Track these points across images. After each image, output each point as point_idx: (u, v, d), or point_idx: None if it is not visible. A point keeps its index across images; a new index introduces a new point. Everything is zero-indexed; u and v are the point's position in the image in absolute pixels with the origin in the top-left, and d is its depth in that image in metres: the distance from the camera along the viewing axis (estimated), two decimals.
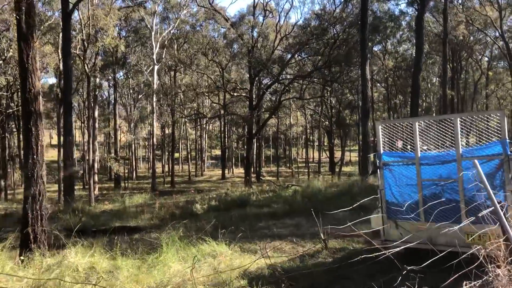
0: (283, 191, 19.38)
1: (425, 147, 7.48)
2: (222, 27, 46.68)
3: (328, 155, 59.87)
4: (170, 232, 9.38)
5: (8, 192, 41.08)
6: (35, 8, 8.02)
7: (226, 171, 64.13)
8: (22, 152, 42.83)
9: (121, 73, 53.66)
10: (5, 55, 25.29)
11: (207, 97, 46.85)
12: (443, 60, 29.58)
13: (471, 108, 52.82)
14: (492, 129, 6.37)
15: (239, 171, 65.48)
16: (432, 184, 6.82)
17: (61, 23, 23.71)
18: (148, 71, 45.03)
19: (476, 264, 3.27)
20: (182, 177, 61.99)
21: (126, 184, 50.10)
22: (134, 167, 63.55)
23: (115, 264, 7.78)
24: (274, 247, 8.95)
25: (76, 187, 47.11)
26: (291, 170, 63.18)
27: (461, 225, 3.99)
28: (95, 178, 39.14)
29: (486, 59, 52.91)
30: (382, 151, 7.30)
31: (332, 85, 38.47)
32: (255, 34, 38.70)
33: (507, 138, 6.15)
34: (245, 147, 40.82)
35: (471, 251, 3.42)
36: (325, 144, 70.69)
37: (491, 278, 3.22)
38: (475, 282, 3.15)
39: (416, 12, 25.42)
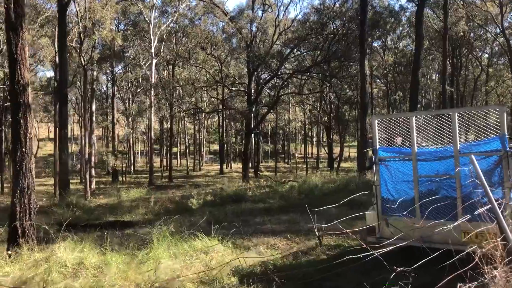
0: (279, 187, 19.24)
1: (424, 144, 7.32)
2: (220, 21, 46.40)
3: (327, 151, 59.80)
4: (162, 227, 9.24)
5: (5, 185, 40.91)
6: None
7: (225, 166, 63.97)
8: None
9: (120, 67, 53.47)
10: (1, 47, 25.02)
11: (205, 92, 46.60)
12: (443, 56, 29.35)
13: (471, 104, 52.62)
14: (492, 125, 6.19)
15: (238, 166, 65.28)
16: (429, 180, 6.66)
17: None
18: (147, 65, 44.76)
19: (471, 265, 3.10)
20: (181, 172, 61.79)
21: (124, 178, 49.87)
22: (132, 161, 63.34)
23: (104, 259, 7.63)
24: (268, 244, 8.79)
25: (73, 181, 47.10)
26: (289, 166, 63.04)
27: (455, 223, 3.82)
28: (92, 172, 38.97)
29: (487, 55, 52.67)
30: (378, 146, 7.13)
31: (331, 80, 38.25)
32: (254, 28, 38.46)
33: (506, 133, 5.99)
34: (243, 142, 40.65)
35: (466, 251, 3.25)
36: (324, 140, 70.51)
37: (487, 280, 3.06)
38: (470, 284, 2.98)
39: (416, 8, 25.17)
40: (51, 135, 71.66)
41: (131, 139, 61.71)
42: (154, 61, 41.93)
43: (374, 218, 7.17)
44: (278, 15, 38.96)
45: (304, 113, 62.24)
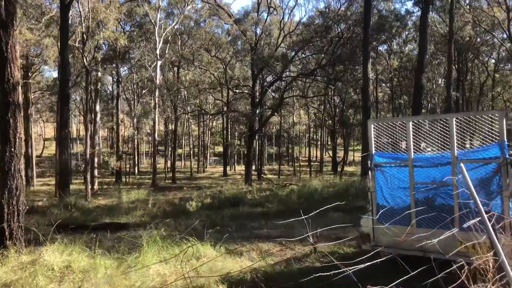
0: (280, 190, 19.04)
1: (428, 149, 7.11)
2: (225, 24, 46.30)
3: (331, 154, 59.53)
4: (153, 231, 9.08)
5: None
6: None
7: (228, 168, 63.84)
8: (27, 144, 42.75)
9: (125, 68, 53.52)
10: None
11: (210, 94, 46.50)
12: (448, 60, 29.05)
13: (477, 110, 52.16)
14: (496, 131, 5.96)
15: (241, 168, 65.10)
16: (425, 187, 6.45)
17: None
18: (152, 66, 44.73)
19: (458, 282, 2.90)
20: (185, 173, 61.74)
21: (128, 179, 49.86)
22: (136, 162, 63.37)
23: (93, 263, 7.47)
24: (261, 250, 8.60)
25: (77, 181, 47.16)
26: (293, 169, 62.78)
27: (444, 235, 3.62)
28: (95, 172, 38.95)
29: (493, 61, 52.19)
30: (374, 152, 6.94)
31: (336, 83, 38.04)
32: (258, 31, 38.33)
33: (505, 140, 5.76)
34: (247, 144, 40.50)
35: (452, 267, 3.05)
36: (329, 143, 70.25)
37: None
38: None
39: (421, 12, 24.95)
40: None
41: (135, 140, 61.76)
42: (159, 62, 41.87)
43: (369, 225, 6.96)
44: (283, 18, 38.85)
45: (309, 116, 62.02)
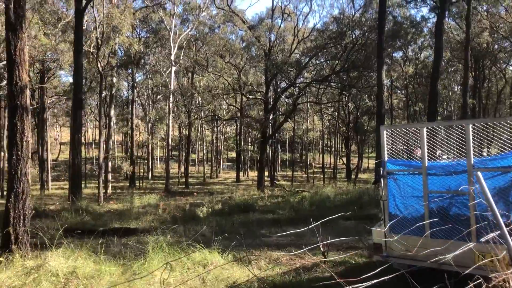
0: (292, 197, 18.80)
1: (444, 157, 6.86)
2: (239, 30, 46.39)
3: (345, 161, 58.99)
4: (160, 237, 8.95)
5: None
6: None
7: (241, 174, 63.71)
8: (40, 148, 43.22)
9: (140, 74, 53.90)
10: None
11: (223, 100, 46.50)
12: (465, 67, 28.55)
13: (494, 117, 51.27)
14: None
15: (254, 174, 64.91)
16: (440, 196, 6.19)
17: None
18: (167, 72, 44.96)
19: None
20: (198, 179, 61.80)
21: (141, 184, 50.04)
22: (150, 167, 63.62)
23: (99, 269, 7.35)
24: (270, 258, 8.39)
25: (91, 185, 47.48)
26: (306, 175, 62.40)
27: (460, 249, 3.40)
28: (109, 177, 39.11)
29: (511, 68, 51.37)
30: (386, 159, 6.70)
31: (350, 90, 37.72)
32: (272, 37, 38.24)
33: None
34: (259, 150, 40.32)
35: (473, 283, 2.83)
36: (343, 150, 69.73)
37: None
38: None
39: (436, 18, 24.58)
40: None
41: (150, 145, 62.01)
42: (174, 68, 42.08)
43: (381, 235, 6.71)
44: (297, 24, 38.71)
45: (323, 123, 61.69)
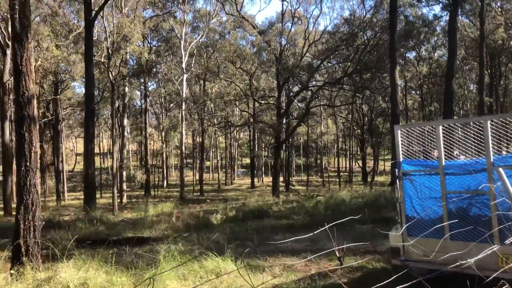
0: (307, 202, 18.54)
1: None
2: (250, 35, 46.39)
3: (361, 164, 58.43)
4: (172, 245, 8.82)
5: (41, 199, 41.76)
6: (30, 7, 7.59)
7: (256, 180, 63.52)
8: (55, 159, 43.62)
9: (152, 82, 54.24)
10: (34, 64, 25.49)
11: (236, 106, 46.46)
12: (480, 65, 28.06)
13: None
14: None
15: (269, 179, 64.62)
16: (459, 197, 5.92)
17: None
18: (179, 80, 45.13)
19: None
20: (212, 186, 61.78)
21: (156, 192, 50.16)
22: (165, 175, 63.82)
23: (110, 280, 7.23)
24: (285, 265, 8.18)
25: (107, 195, 47.72)
26: (322, 180, 61.94)
27: (482, 253, 3.17)
28: (124, 186, 39.27)
29: None
30: (401, 159, 6.46)
31: (363, 92, 37.36)
32: (283, 41, 38.12)
33: None
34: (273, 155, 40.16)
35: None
36: (358, 153, 69.12)
37: None
38: None
39: (449, 15, 24.19)
40: (96, 150, 73.14)
41: (164, 153, 62.25)
42: (185, 76, 42.21)
43: (398, 239, 6.46)
44: (307, 27, 38.55)
45: (337, 126, 61.27)
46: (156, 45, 47.83)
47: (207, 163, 77.82)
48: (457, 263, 3.77)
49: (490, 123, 5.54)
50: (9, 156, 28.44)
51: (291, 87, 43.56)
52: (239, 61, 38.02)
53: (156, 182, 58.07)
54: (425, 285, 3.25)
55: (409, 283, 3.23)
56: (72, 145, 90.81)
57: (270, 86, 47.17)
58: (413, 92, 56.52)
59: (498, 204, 5.05)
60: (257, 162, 67.50)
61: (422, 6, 41.37)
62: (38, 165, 7.58)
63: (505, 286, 2.51)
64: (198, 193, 47.19)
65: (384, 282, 2.61)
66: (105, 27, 24.96)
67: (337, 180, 55.12)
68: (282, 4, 47.08)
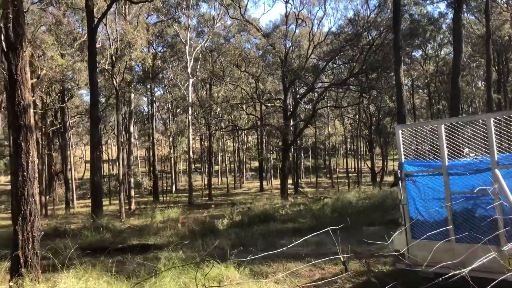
0: (314, 204, 18.35)
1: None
2: (254, 38, 46.32)
3: (369, 165, 58.02)
4: (174, 253, 8.70)
5: (51, 207, 41.94)
6: (24, 16, 7.53)
7: (265, 183, 63.30)
8: (64, 168, 43.78)
9: (159, 88, 54.44)
10: (39, 73, 25.65)
11: (242, 109, 46.40)
12: (487, 62, 27.66)
13: None
14: None
15: (278, 182, 64.33)
16: (464, 197, 5.74)
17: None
18: (186, 85, 45.19)
19: None
20: (221, 190, 61.64)
21: (165, 198, 50.15)
22: (174, 181, 63.83)
23: None
24: (289, 270, 8.01)
25: (116, 202, 47.80)
26: (331, 181, 61.60)
27: (488, 256, 3.01)
28: (132, 192, 39.28)
29: None
30: (403, 160, 6.29)
31: (369, 92, 37.08)
32: (288, 43, 37.98)
33: None
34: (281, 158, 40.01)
35: None
36: (367, 153, 68.69)
37: None
38: None
39: (453, 12, 23.88)
40: (104, 157, 73.50)
41: (172, 159, 62.32)
42: (191, 81, 42.24)
43: (402, 242, 6.29)
44: (312, 29, 38.33)
45: (344, 127, 60.95)
46: (162, 50, 47.95)
47: (216, 167, 77.80)
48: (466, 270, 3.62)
49: (493, 120, 5.37)
50: None
51: (297, 89, 43.39)
52: (244, 65, 37.96)
53: (165, 188, 58.12)
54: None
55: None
56: (81, 152, 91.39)
57: (276, 88, 47.06)
58: (420, 91, 56.07)
59: (503, 204, 4.87)
60: (265, 165, 67.28)
61: (427, 4, 41.03)
62: (36, 175, 7.51)
63: None
64: (207, 198, 47.09)
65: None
66: (108, 34, 24.98)
67: (346, 181, 54.75)
68: (286, 6, 46.79)
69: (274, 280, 7.52)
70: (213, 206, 29.06)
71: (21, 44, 7.36)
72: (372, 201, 16.04)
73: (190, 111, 41.81)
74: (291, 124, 40.67)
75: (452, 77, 23.05)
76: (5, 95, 19.97)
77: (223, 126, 47.13)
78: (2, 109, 27.49)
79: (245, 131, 58.43)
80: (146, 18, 40.79)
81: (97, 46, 24.85)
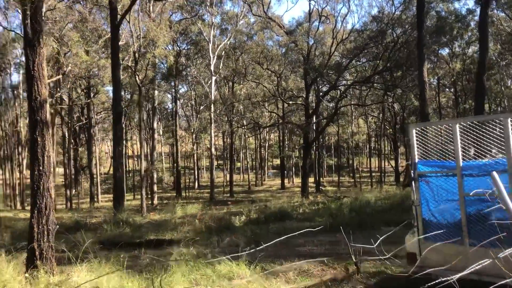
0: (333, 203, 18.18)
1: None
2: (277, 35, 46.22)
3: (393, 164, 57.21)
4: (193, 247, 8.74)
5: (76, 201, 42.88)
6: (43, 12, 7.65)
7: (287, 181, 63.17)
8: (89, 163, 44.64)
9: (182, 85, 54.87)
10: (64, 69, 26.15)
11: (264, 107, 46.40)
12: None
13: None
14: None
15: (300, 180, 64.23)
16: (478, 199, 5.56)
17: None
18: (209, 83, 45.47)
19: None
20: (243, 187, 61.87)
21: (187, 194, 50.63)
22: (196, 177, 64.38)
23: (122, 284, 7.19)
24: (300, 269, 7.96)
25: (139, 197, 48.50)
26: (353, 180, 61.04)
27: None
28: (154, 188, 39.78)
29: None
30: (417, 160, 6.14)
31: (393, 90, 36.49)
32: (311, 41, 37.72)
33: None
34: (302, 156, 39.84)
35: None
36: (392, 152, 67.77)
37: None
38: None
39: (480, 8, 23.23)
40: (129, 153, 74.67)
41: (195, 155, 62.82)
42: (214, 78, 42.50)
43: (414, 244, 6.15)
44: (335, 26, 37.94)
45: (368, 126, 60.25)
46: (186, 48, 48.31)
47: (238, 164, 78.00)
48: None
49: (510, 121, 5.19)
50: None
51: (320, 86, 43.09)
52: (266, 62, 37.88)
53: (188, 184, 58.67)
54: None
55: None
56: (107, 148, 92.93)
57: (299, 86, 46.84)
58: (447, 90, 54.89)
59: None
60: (287, 163, 67.13)
61: (454, 1, 40.11)
62: (52, 169, 7.64)
63: None
64: (228, 195, 47.34)
65: None
66: (131, 32, 25.32)
67: (369, 180, 54.17)
68: (310, 3, 46.75)
69: (285, 279, 7.48)
70: (229, 203, 29.17)
71: (39, 40, 7.48)
72: (391, 201, 15.80)
73: (212, 109, 42.04)
74: (313, 122, 40.41)
75: (477, 75, 22.45)
76: None
77: (245, 123, 47.23)
78: None
79: (267, 129, 58.39)
80: (171, 15, 41.15)
81: (121, 43, 25.22)
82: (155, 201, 38.25)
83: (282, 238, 4.83)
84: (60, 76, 25.74)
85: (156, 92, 39.74)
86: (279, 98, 39.42)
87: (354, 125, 63.55)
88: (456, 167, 5.70)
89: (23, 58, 21.02)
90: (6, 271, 7.81)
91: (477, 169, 5.63)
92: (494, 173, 2.63)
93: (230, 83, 50.21)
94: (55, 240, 9.04)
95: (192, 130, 54.85)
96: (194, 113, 58.20)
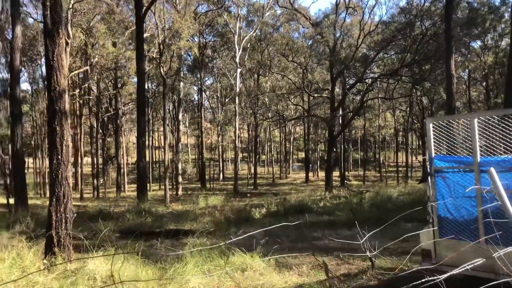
0: (355, 197, 17.97)
1: None
2: (302, 27, 45.80)
3: (421, 159, 56.19)
4: (209, 238, 8.78)
5: (103, 191, 43.76)
6: (62, 4, 7.75)
7: (311, 174, 62.91)
8: (117, 152, 45.46)
9: (208, 77, 55.09)
10: (91, 61, 26.58)
11: (289, 100, 46.22)
12: None
13: None
14: None
15: (324, 174, 63.85)
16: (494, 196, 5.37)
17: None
18: (234, 75, 45.54)
19: None
20: (267, 179, 61.92)
21: (212, 185, 51.02)
22: (221, 168, 64.78)
23: (136, 273, 7.29)
24: (314, 263, 7.89)
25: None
26: (379, 175, 60.27)
27: None
28: (179, 178, 40.19)
29: None
30: (433, 155, 5.98)
31: (422, 83, 35.68)
32: (337, 32, 37.21)
33: None
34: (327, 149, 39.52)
35: None
36: (419, 147, 66.56)
37: None
38: None
39: None
40: (156, 144, 75.73)
41: (220, 147, 63.19)
42: (239, 70, 42.49)
43: (430, 240, 6.01)
44: (363, 18, 37.32)
45: (396, 119, 59.27)
46: (212, 40, 48.45)
47: (263, 157, 78.09)
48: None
49: None
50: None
51: (346, 79, 42.56)
52: (292, 54, 37.62)
53: (213, 175, 59.11)
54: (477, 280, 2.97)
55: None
56: (135, 138, 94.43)
57: (324, 79, 46.39)
58: (478, 83, 53.40)
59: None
60: (312, 156, 66.77)
61: None
62: (70, 158, 7.77)
63: None
64: (252, 187, 47.43)
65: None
66: (156, 24, 25.53)
67: (395, 175, 53.39)
68: None
69: (298, 273, 7.44)
70: (249, 195, 29.22)
71: (58, 31, 7.59)
72: (413, 196, 15.51)
73: (237, 101, 42.09)
74: (339, 115, 40.01)
75: (508, 68, 21.65)
76: None
77: (269, 116, 47.14)
78: None
79: (292, 122, 58.16)
80: (197, 7, 41.27)
81: (146, 35, 25.49)
82: (180, 192, 38.65)
83: (258, 230, 4.77)
84: (88, 67, 26.18)
85: (181, 84, 39.98)
86: (304, 91, 39.13)
87: (381, 119, 62.65)
88: (473, 163, 5.52)
89: None
90: (27, 257, 8.04)
91: (496, 165, 5.43)
92: (492, 169, 2.51)
93: (255, 75, 50.12)
94: (75, 228, 9.24)
95: (217, 122, 55.12)
96: (219, 105, 58.48)
